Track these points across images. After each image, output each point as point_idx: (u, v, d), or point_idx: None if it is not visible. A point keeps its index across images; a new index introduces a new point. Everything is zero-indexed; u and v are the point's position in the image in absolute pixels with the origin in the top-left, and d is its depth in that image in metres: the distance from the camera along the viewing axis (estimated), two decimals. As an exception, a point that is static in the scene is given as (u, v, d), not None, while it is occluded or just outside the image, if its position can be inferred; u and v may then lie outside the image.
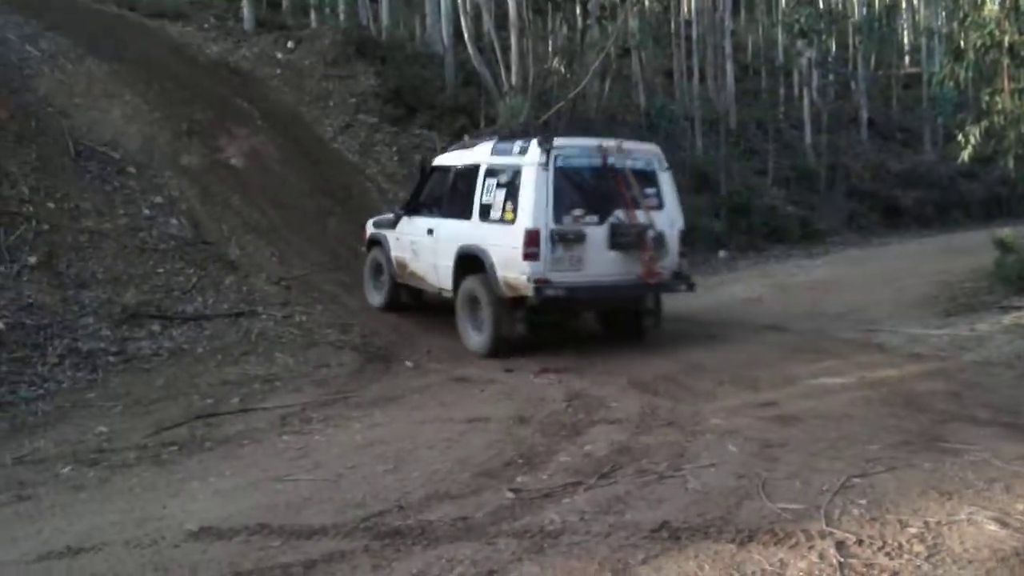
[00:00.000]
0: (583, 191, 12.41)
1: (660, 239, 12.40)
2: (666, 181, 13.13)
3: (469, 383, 11.54)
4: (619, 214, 12.32)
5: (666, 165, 13.31)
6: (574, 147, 12.53)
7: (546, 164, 11.93)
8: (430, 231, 13.98)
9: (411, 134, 23.39)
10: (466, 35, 24.42)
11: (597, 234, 12.21)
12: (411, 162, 21.39)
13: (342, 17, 31.15)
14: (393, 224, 15.21)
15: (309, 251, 17.37)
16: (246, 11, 30.19)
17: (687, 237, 13.83)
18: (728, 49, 34.31)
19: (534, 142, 12.19)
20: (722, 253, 23.47)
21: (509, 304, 12.34)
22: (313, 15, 32.61)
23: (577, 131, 14.26)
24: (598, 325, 14.61)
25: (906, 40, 47.10)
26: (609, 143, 12.77)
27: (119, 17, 28.24)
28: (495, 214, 12.49)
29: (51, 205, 15.42)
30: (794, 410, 9.55)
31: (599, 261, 12.25)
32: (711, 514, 6.56)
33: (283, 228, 18.10)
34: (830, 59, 36.85)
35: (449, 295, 13.55)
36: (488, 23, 25.23)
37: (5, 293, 13.20)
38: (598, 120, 24.37)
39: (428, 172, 14.97)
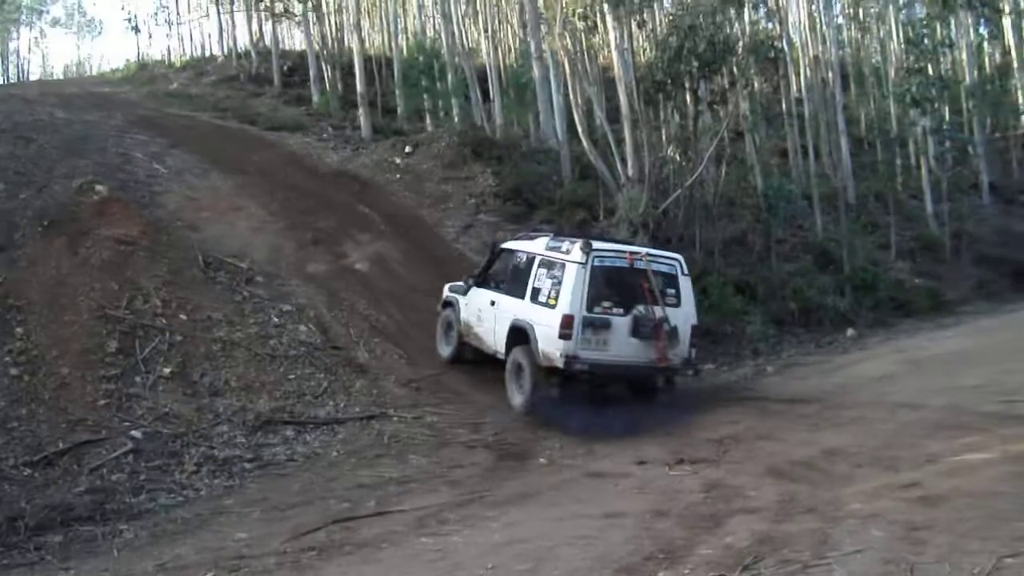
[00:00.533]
0: (613, 286, 14.56)
1: (674, 332, 14.49)
2: (685, 284, 15.25)
3: (603, 478, 11.45)
4: (641, 308, 14.50)
5: (686, 271, 15.41)
6: (609, 250, 14.95)
7: (585, 263, 14.25)
8: (492, 303, 16.10)
9: (532, 229, 23.52)
10: (580, 129, 24.53)
11: (621, 323, 14.41)
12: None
13: (456, 120, 31.60)
14: (464, 292, 17.09)
15: (436, 352, 17.46)
16: (363, 119, 30.97)
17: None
18: (841, 124, 33.87)
19: (578, 243, 14.59)
20: (850, 331, 22.86)
21: (545, 371, 14.40)
22: (428, 119, 33.23)
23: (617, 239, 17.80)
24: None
25: (1021, 100, 46.05)
26: (638, 250, 15.45)
27: (240, 132, 29.31)
28: (542, 298, 14.79)
29: (183, 316, 15.84)
30: (938, 490, 9.19)
31: (621, 344, 14.40)
32: (860, 603, 6.34)
33: (410, 330, 18.22)
34: (945, 126, 35.95)
35: (502, 358, 15.53)
36: (600, 116, 25.40)
37: (142, 403, 13.56)
38: (716, 207, 24.31)
39: (496, 253, 17.15)
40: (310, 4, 40.35)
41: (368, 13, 53.36)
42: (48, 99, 33.04)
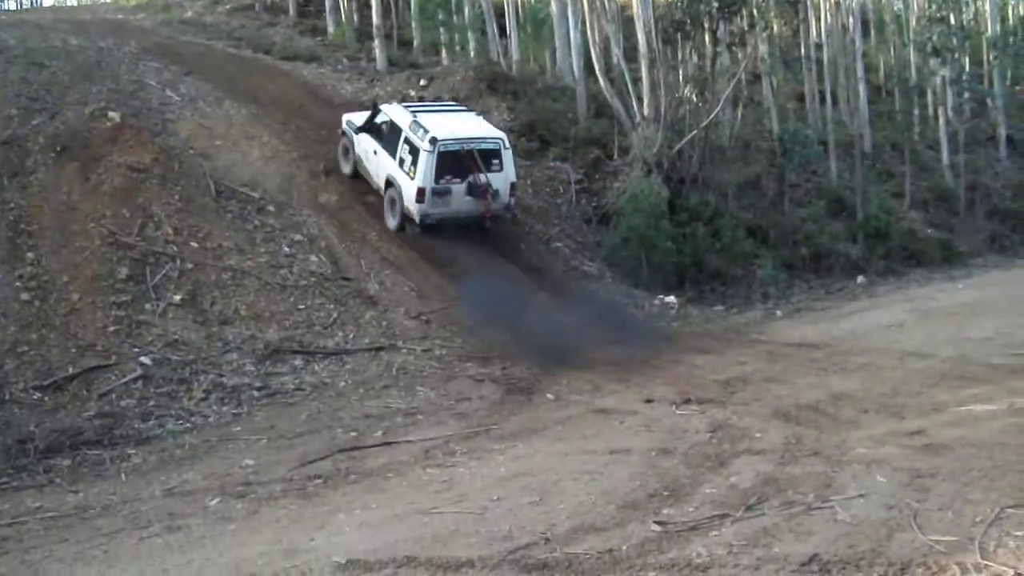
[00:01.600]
0: (453, 164, 19.13)
1: (496, 192, 19.37)
2: (507, 155, 19.94)
3: (609, 414, 11.50)
4: (473, 177, 19.22)
5: (508, 145, 20.12)
6: (450, 139, 19.24)
7: (432, 151, 18.85)
8: (375, 152, 20.48)
9: (545, 167, 23.26)
10: (597, 67, 24.40)
11: (460, 188, 19.14)
12: (546, 194, 21.55)
13: (472, 54, 31.34)
14: (356, 131, 21.29)
15: (447, 285, 17.48)
16: (378, 51, 30.70)
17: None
18: (860, 71, 33.40)
19: (428, 136, 19.05)
20: (860, 279, 22.77)
21: (406, 218, 19.43)
22: (444, 53, 32.95)
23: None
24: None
25: (1043, 53, 45.37)
26: (477, 134, 20.26)
27: (254, 61, 29.08)
28: (405, 168, 19.30)
29: (194, 244, 15.90)
30: (943, 438, 9.26)
31: (460, 202, 19.25)
32: (861, 546, 6.40)
33: (421, 263, 18.24)
34: (965, 77, 35.43)
35: (382, 193, 20.20)
36: (617, 54, 25.16)
37: (151, 330, 13.66)
38: (731, 150, 24.15)
39: (375, 112, 21.12)
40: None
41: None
42: (61, 25, 32.83)
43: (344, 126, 21.95)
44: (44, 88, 21.20)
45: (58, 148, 17.68)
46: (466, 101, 24.96)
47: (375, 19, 31.75)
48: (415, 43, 34.25)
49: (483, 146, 19.73)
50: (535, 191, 22.08)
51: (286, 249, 16.89)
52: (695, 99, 23.97)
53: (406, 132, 19.58)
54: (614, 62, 25.68)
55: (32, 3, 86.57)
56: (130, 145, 18.33)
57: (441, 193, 19.10)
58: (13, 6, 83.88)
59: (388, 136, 20.16)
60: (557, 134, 24.36)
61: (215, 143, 20.23)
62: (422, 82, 27.80)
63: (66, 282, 14.16)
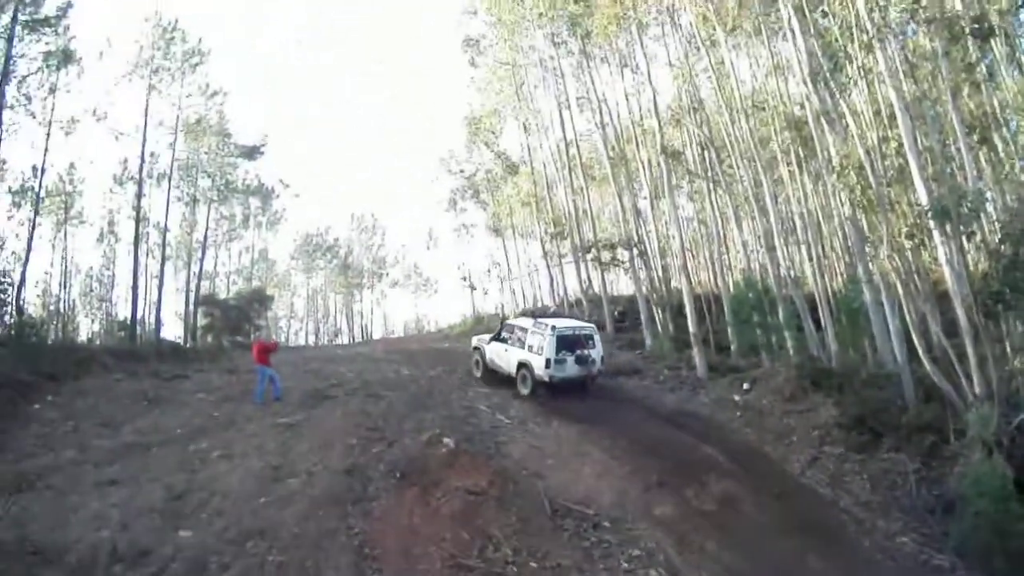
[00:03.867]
0: (566, 342, 29.29)
1: (593, 361, 29.48)
2: (598, 339, 30.49)
3: None
4: (579, 351, 29.25)
5: (598, 332, 31.14)
6: (564, 327, 30.10)
7: (553, 334, 29.11)
8: (506, 350, 31.66)
9: (879, 459, 22.39)
10: (919, 350, 23.78)
11: (571, 358, 29.09)
12: (884, 487, 20.77)
13: (791, 351, 31.34)
14: (488, 343, 33.38)
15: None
16: (697, 359, 31.39)
17: None
18: None
19: (549, 325, 29.71)
20: None
21: (536, 382, 29.44)
22: (763, 354, 33.06)
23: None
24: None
25: None
26: (581, 326, 31.28)
27: (577, 379, 30.34)
28: (535, 350, 29.65)
29: (533, 565, 16.26)
30: None
31: (571, 368, 29.14)
32: None
33: (762, 572, 17.65)
34: None
35: (513, 376, 30.74)
36: (938, 332, 24.42)
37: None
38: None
39: (503, 326, 33.25)
40: (636, 251, 41.82)
41: (693, 252, 54.52)
42: (392, 356, 35.79)
43: (474, 343, 35.06)
44: (382, 417, 23.12)
45: (398, 474, 19.00)
46: (791, 400, 25.00)
47: (691, 327, 32.81)
48: (732, 347, 34.76)
49: (582, 332, 30.46)
50: (873, 486, 21.26)
51: (624, 565, 16.88)
52: (1028, 369, 22.82)
53: (532, 330, 30.57)
54: (934, 342, 25.01)
55: (363, 335, 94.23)
56: (466, 469, 19.44)
57: (559, 361, 29.17)
58: (347, 340, 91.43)
59: (516, 336, 31.44)
60: (888, 424, 23.66)
61: (547, 462, 21.03)
62: (745, 386, 28.08)
63: (410, 605, 14.72)
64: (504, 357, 31.75)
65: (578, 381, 29.46)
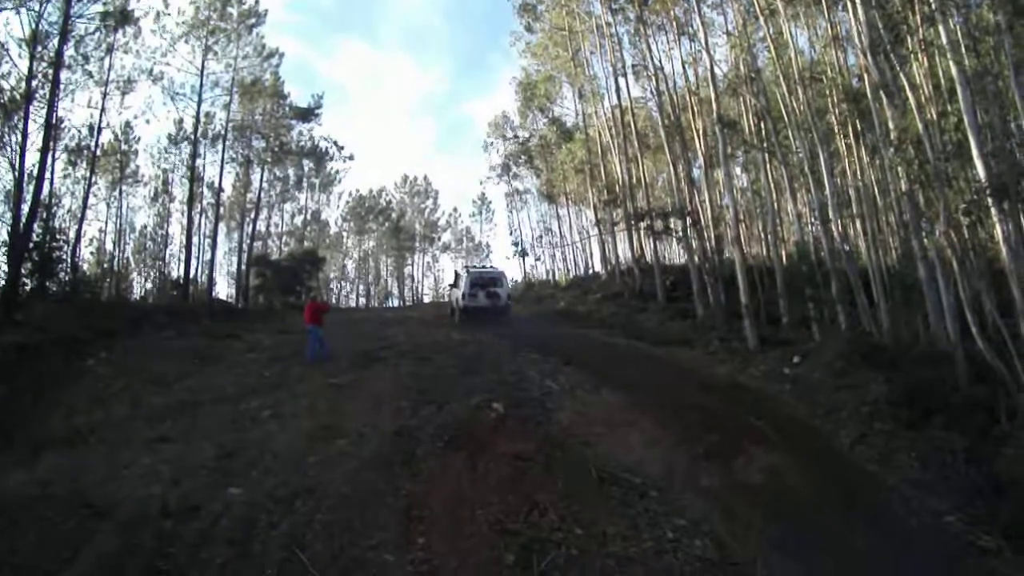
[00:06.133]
0: (479, 282, 44.68)
1: (499, 296, 44.48)
2: (505, 279, 46.45)
3: None
4: (489, 289, 44.27)
5: (507, 276, 48.30)
6: (476, 267, 52.01)
7: (467, 276, 45.10)
8: (451, 292, 51.52)
9: (929, 437, 22.09)
10: (973, 328, 23.49)
11: (482, 293, 44.12)
12: (934, 466, 20.51)
13: (843, 326, 31.08)
14: (449, 289, 55.39)
15: (837, 570, 16.72)
16: (748, 331, 31.19)
17: None
18: None
19: (466, 270, 47.46)
20: None
21: (460, 311, 44.72)
22: (814, 327, 32.83)
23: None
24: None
25: None
26: (489, 270, 48.15)
27: (628, 347, 30.39)
28: (461, 288, 45.33)
29: (579, 531, 16.25)
30: None
31: (483, 301, 43.85)
32: None
33: (808, 547, 17.56)
34: None
35: (453, 309, 47.51)
36: (992, 312, 24.20)
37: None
38: None
39: (456, 275, 49.41)
40: (689, 220, 41.62)
41: (746, 223, 54.19)
42: (442, 320, 36.78)
43: (448, 291, 54.50)
44: (431, 381, 23.12)
45: (446, 438, 19.10)
46: (842, 375, 24.84)
47: (742, 298, 32.60)
48: (784, 319, 34.52)
49: (491, 275, 45.39)
50: (922, 464, 20.96)
51: (670, 535, 16.80)
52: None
53: (460, 273, 46.66)
54: (989, 321, 24.70)
55: (414, 299, 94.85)
56: (514, 434, 19.50)
57: (474, 295, 43.20)
58: (397, 304, 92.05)
59: (455, 280, 48.36)
60: (939, 402, 23.29)
61: (595, 430, 21.00)
62: (795, 359, 27.92)
63: (455, 567, 14.76)
64: (452, 296, 49.79)
65: (490, 310, 43.82)
